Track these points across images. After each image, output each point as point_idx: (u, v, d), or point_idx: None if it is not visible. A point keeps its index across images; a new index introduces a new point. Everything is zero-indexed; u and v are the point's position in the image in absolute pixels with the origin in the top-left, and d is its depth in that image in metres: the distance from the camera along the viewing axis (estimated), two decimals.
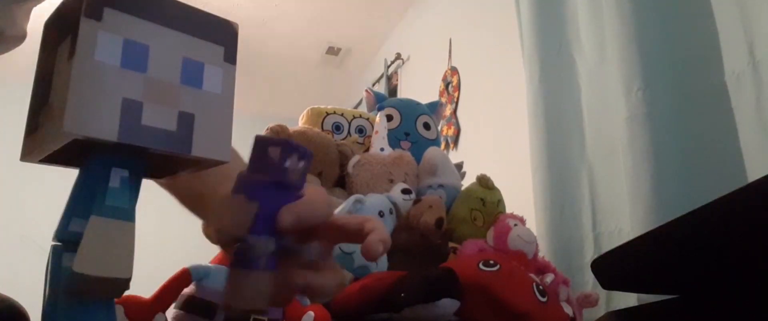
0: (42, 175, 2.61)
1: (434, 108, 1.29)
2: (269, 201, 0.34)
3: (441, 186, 1.07)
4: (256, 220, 0.33)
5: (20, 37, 0.60)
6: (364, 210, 0.91)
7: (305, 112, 1.22)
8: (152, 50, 0.31)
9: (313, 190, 0.38)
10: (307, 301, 0.73)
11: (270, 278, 0.34)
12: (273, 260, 0.34)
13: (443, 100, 2.12)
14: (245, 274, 0.33)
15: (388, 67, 2.87)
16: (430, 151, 1.11)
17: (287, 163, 0.34)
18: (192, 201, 0.51)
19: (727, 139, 0.86)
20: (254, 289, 0.33)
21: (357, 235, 0.37)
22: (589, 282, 1.08)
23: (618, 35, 1.02)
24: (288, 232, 0.34)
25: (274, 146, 0.35)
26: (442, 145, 1.97)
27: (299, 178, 0.35)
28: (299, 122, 1.22)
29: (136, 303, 0.72)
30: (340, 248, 0.83)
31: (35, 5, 0.58)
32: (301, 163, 0.35)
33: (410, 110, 1.23)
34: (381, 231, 0.37)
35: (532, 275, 0.83)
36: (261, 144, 0.35)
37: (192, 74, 0.32)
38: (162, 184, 0.49)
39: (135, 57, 0.30)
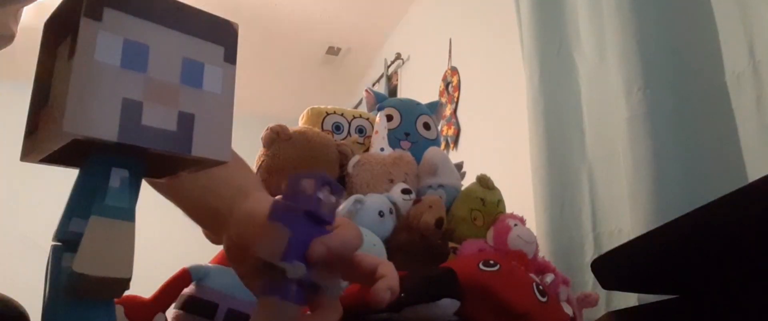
0: (42, 175, 2.62)
1: (434, 108, 1.29)
2: (301, 231, 0.35)
3: (441, 186, 1.07)
4: (288, 248, 0.34)
5: (9, 37, 0.60)
6: (364, 210, 0.91)
7: (305, 112, 1.22)
8: (152, 50, 0.31)
9: (346, 225, 0.39)
10: None
11: (300, 312, 0.35)
12: (301, 294, 0.35)
13: (443, 100, 2.12)
14: (275, 302, 0.34)
15: (388, 67, 2.87)
16: (430, 151, 1.11)
17: (320, 195, 0.36)
18: (202, 214, 0.50)
19: (727, 139, 0.86)
20: (285, 318, 0.34)
21: (369, 276, 0.38)
22: (589, 282, 1.08)
23: (618, 35, 1.02)
24: (317, 263, 0.35)
25: (308, 179, 0.36)
26: (442, 145, 1.97)
27: (330, 211, 0.37)
28: (299, 122, 1.22)
29: (136, 303, 0.72)
30: None
31: (24, 6, 0.58)
32: (333, 198, 0.37)
33: (410, 110, 1.23)
34: (392, 278, 0.37)
35: (532, 275, 0.83)
36: (295, 178, 0.37)
37: (192, 74, 0.32)
38: (166, 195, 0.48)
39: (135, 57, 0.30)
